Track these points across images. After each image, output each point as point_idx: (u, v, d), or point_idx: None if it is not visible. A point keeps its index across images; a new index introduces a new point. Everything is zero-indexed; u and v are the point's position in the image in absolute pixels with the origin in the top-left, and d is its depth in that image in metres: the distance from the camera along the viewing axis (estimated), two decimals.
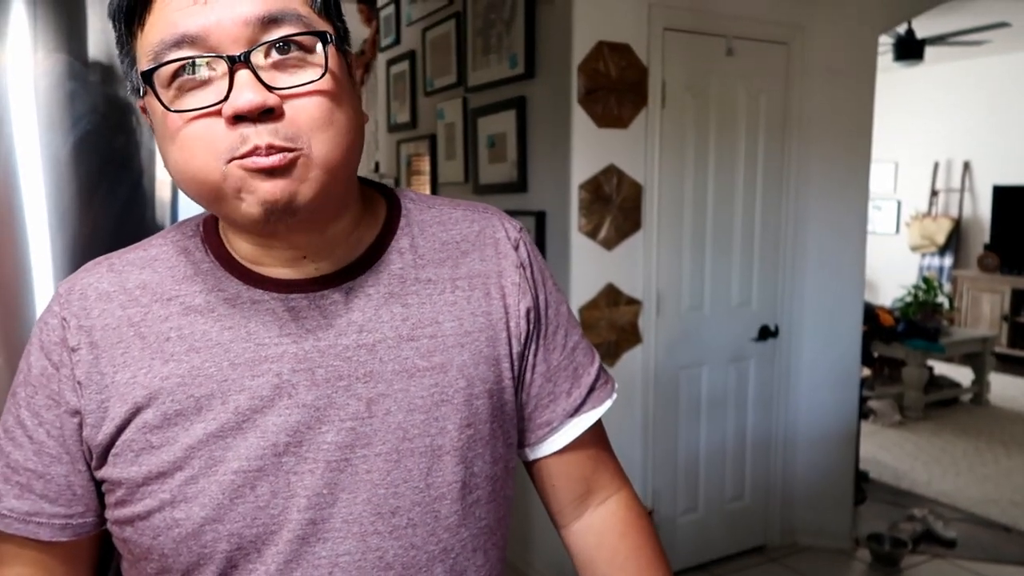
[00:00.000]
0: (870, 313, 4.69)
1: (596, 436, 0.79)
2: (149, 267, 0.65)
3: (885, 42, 4.92)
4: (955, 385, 5.17)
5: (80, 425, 0.62)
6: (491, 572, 0.71)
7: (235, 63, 0.54)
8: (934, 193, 7.04)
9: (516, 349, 0.71)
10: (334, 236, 0.65)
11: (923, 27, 4.91)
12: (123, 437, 0.61)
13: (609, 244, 2.52)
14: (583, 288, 2.49)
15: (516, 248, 0.73)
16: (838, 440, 3.02)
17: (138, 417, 0.60)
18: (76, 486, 0.63)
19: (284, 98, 0.55)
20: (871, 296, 6.84)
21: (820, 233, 2.91)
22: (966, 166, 6.83)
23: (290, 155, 0.55)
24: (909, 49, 4.91)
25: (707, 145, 2.69)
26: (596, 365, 0.78)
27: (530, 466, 0.79)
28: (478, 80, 2.84)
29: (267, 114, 0.55)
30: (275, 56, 0.56)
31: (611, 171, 2.48)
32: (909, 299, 5.14)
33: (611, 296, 2.54)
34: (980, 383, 5.18)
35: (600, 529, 0.78)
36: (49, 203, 1.23)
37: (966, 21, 4.97)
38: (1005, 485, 3.72)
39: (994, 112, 6.59)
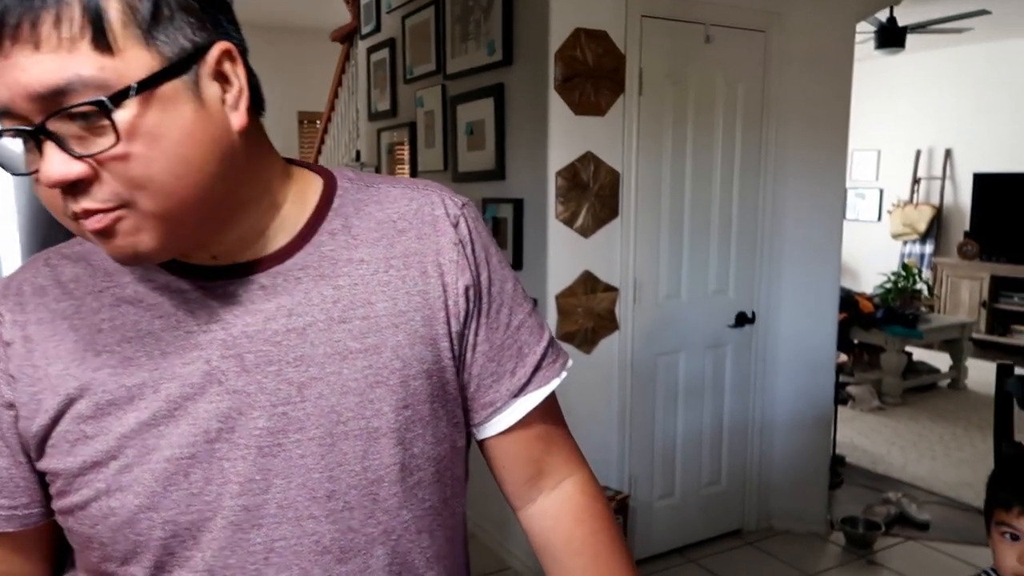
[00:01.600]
0: (849, 300, 4.73)
1: (547, 417, 0.78)
2: (83, 260, 0.66)
3: (867, 30, 4.93)
4: (933, 371, 5.23)
5: (16, 418, 0.63)
6: (439, 553, 0.71)
7: (40, 135, 0.51)
8: (916, 181, 7.08)
9: (455, 328, 0.70)
10: (246, 235, 0.64)
11: (905, 15, 4.92)
12: (58, 428, 0.61)
13: (586, 231, 2.52)
14: (560, 275, 2.50)
15: (455, 225, 0.71)
16: (814, 425, 3.06)
17: (72, 408, 0.61)
18: (18, 478, 0.64)
19: (99, 163, 0.52)
20: (853, 284, 6.89)
21: (797, 220, 2.93)
22: (948, 154, 6.88)
23: (111, 216, 0.54)
24: (891, 37, 4.93)
25: (685, 132, 2.69)
26: (543, 344, 0.77)
27: (481, 446, 0.78)
28: (457, 67, 2.83)
29: (82, 180, 0.52)
30: (81, 121, 0.51)
31: (588, 158, 2.49)
32: (888, 286, 5.19)
33: (588, 283, 2.55)
34: (958, 369, 5.25)
35: (555, 513, 0.78)
36: (17, 200, 1.22)
37: (948, 9, 4.98)
38: (980, 469, 3.77)
39: (976, 100, 6.63)
